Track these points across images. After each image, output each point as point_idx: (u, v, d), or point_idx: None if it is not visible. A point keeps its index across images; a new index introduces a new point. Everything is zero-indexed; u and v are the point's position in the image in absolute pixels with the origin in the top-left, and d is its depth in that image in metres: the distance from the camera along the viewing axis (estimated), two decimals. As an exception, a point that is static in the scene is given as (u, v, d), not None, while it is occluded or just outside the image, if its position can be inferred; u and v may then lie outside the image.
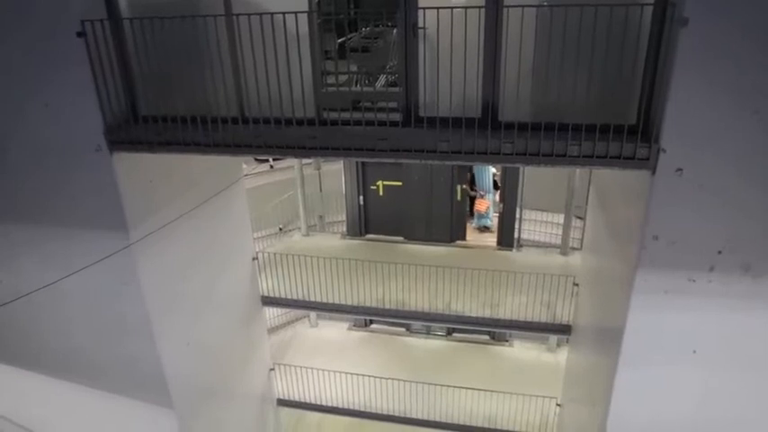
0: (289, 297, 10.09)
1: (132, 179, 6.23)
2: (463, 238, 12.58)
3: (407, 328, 13.34)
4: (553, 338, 12.15)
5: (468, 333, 12.86)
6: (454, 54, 4.89)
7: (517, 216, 11.84)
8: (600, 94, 4.85)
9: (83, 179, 6.14)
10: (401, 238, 12.57)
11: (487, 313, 9.37)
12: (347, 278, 9.87)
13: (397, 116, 5.37)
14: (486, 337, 12.86)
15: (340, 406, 10.81)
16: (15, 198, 6.54)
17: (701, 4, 4.15)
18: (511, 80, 4.90)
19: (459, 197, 12.26)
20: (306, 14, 5.16)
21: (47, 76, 5.71)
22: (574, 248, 11.16)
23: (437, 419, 10.32)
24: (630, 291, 5.28)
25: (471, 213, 13.75)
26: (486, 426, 10.17)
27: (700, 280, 5.13)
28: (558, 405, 9.86)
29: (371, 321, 13.51)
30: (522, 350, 12.49)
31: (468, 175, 13.53)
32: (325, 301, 9.91)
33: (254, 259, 9.79)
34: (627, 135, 4.73)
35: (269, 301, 10.23)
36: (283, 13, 5.07)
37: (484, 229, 13.72)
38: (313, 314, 13.48)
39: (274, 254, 10.58)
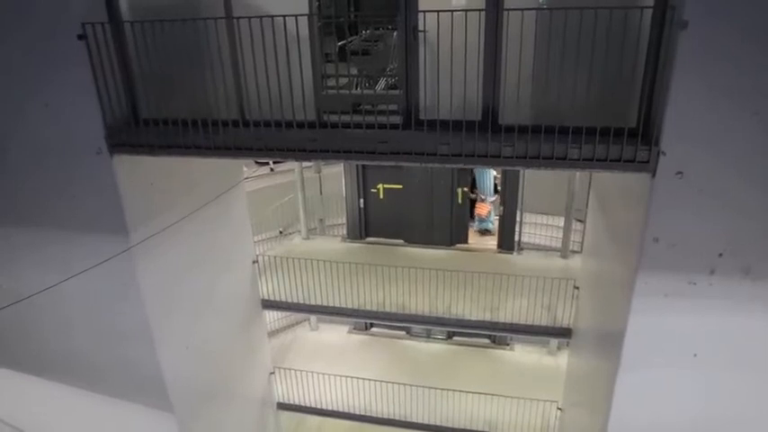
0: (289, 300, 10.07)
1: (133, 182, 6.24)
2: (465, 241, 12.56)
3: (408, 331, 13.31)
4: (554, 342, 12.11)
5: (468, 336, 12.82)
6: (454, 57, 4.90)
7: (517, 219, 11.82)
8: (600, 96, 4.85)
9: (83, 182, 6.15)
10: (401, 242, 12.55)
11: (488, 316, 9.34)
12: (347, 281, 9.85)
13: (397, 119, 5.37)
14: (487, 341, 12.83)
15: (340, 410, 10.78)
16: (16, 201, 6.54)
17: (700, 6, 4.16)
18: (511, 83, 4.91)
19: (460, 200, 12.25)
20: (306, 17, 5.18)
21: (47, 79, 5.72)
22: (574, 251, 11.14)
23: (438, 423, 10.28)
24: (631, 294, 5.27)
25: (472, 216, 13.75)
26: (486, 430, 10.13)
27: (700, 283, 5.12)
28: (559, 409, 9.83)
29: (372, 325, 13.48)
30: (522, 354, 12.45)
31: (470, 177, 13.52)
32: (325, 304, 9.89)
33: (254, 262, 9.78)
34: (627, 138, 4.73)
35: (269, 305, 10.22)
36: (284, 16, 5.08)
37: (485, 232, 13.71)
38: (313, 317, 13.46)
39: (275, 257, 10.56)
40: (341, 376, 10.55)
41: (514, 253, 11.77)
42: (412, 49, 5.09)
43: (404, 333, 13.35)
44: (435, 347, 12.93)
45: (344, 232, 13.08)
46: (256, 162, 17.72)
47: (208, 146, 5.73)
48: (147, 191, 6.53)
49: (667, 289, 5.20)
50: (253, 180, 15.71)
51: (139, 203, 6.37)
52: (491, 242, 12.76)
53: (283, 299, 10.09)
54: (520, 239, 12.03)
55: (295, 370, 10.82)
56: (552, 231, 12.86)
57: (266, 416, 10.72)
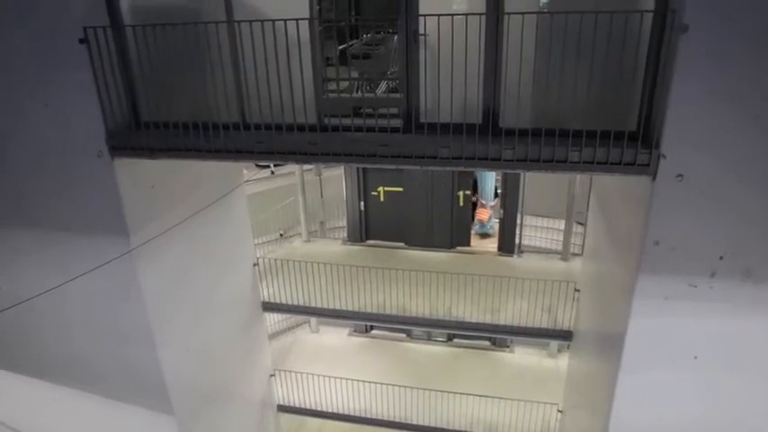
0: (289, 303, 10.08)
1: (133, 185, 6.25)
2: (467, 243, 12.56)
3: (408, 333, 13.31)
4: (554, 344, 12.12)
5: (468, 339, 12.83)
6: (455, 60, 4.91)
7: (518, 222, 11.83)
8: (600, 100, 4.86)
9: (84, 184, 6.15)
10: (402, 244, 12.56)
11: (488, 319, 9.35)
12: (348, 284, 9.86)
13: (397, 122, 5.38)
14: (487, 343, 12.83)
15: (340, 412, 10.78)
16: (17, 203, 6.55)
17: (700, 10, 4.17)
18: (511, 86, 4.92)
19: (461, 203, 12.26)
20: (307, 21, 5.19)
21: (48, 82, 5.74)
22: (575, 254, 11.15)
23: (438, 426, 10.27)
24: (631, 296, 5.28)
25: (472, 219, 13.74)
26: (487, 432, 10.14)
27: (701, 285, 5.13)
28: (559, 411, 9.83)
29: (372, 327, 13.48)
30: (523, 356, 12.45)
31: (471, 180, 13.50)
32: (325, 306, 9.89)
33: (254, 265, 9.79)
34: (627, 141, 4.74)
35: (270, 307, 10.22)
36: (284, 20, 5.09)
37: (485, 235, 13.71)
38: (314, 320, 13.46)
39: (275, 260, 10.58)
40: (341, 379, 10.54)
41: (515, 256, 11.78)
42: (412, 53, 5.10)
43: (404, 335, 13.35)
44: (436, 350, 12.93)
45: (345, 235, 13.10)
46: (257, 165, 17.74)
47: (208, 149, 5.74)
48: (147, 194, 6.54)
49: (668, 292, 5.20)
50: (253, 183, 15.70)
51: (140, 206, 6.38)
52: (491, 245, 12.76)
53: (284, 301, 10.10)
54: (520, 242, 12.03)
55: (295, 372, 10.82)
56: (553, 234, 12.86)
57: (266, 418, 10.72)
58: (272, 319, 12.67)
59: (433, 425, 10.29)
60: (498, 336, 11.99)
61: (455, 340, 13.03)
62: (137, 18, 5.67)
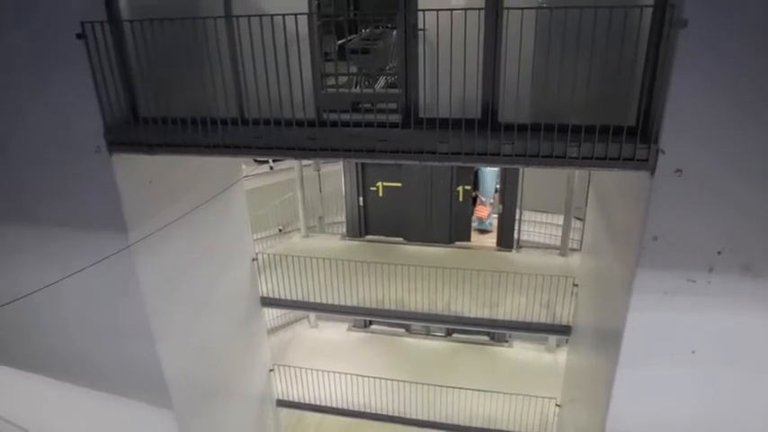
0: (288, 298, 10.09)
1: (132, 180, 6.24)
2: (468, 238, 12.56)
3: (407, 328, 13.34)
4: (553, 339, 12.15)
5: (467, 334, 12.86)
6: (454, 55, 4.90)
7: (517, 217, 11.84)
8: (599, 95, 4.86)
9: (82, 180, 6.14)
10: (401, 239, 12.57)
11: (487, 314, 9.37)
12: (347, 279, 9.87)
13: (396, 117, 5.37)
14: (486, 338, 12.86)
15: (339, 407, 10.80)
16: (15, 200, 6.54)
17: (700, 5, 4.16)
18: (510, 81, 4.91)
19: (461, 198, 12.26)
20: (306, 16, 5.17)
21: (46, 77, 5.71)
22: (573, 249, 11.16)
23: (436, 420, 10.31)
24: (630, 291, 5.29)
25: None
26: (485, 426, 10.16)
27: (699, 280, 5.14)
28: (557, 406, 9.86)
29: (371, 322, 13.51)
30: (521, 351, 12.48)
31: (472, 176, 13.49)
32: (324, 301, 9.91)
33: (253, 260, 9.79)
34: (626, 136, 4.74)
35: (268, 302, 10.23)
36: (283, 15, 5.08)
37: (484, 230, 13.71)
38: (312, 315, 13.48)
39: (274, 255, 10.58)
40: (340, 373, 10.57)
41: (513, 251, 11.79)
42: (411, 48, 5.09)
43: (403, 330, 13.38)
44: (434, 345, 12.96)
45: (344, 230, 13.10)
46: (255, 160, 17.72)
47: (207, 144, 5.73)
48: (146, 189, 6.53)
49: (666, 287, 5.22)
50: (252, 178, 15.69)
51: (139, 201, 6.37)
52: (490, 240, 12.78)
53: (283, 296, 10.11)
54: (519, 237, 12.04)
55: (294, 367, 10.84)
56: (551, 229, 12.87)
57: (266, 413, 10.74)
58: (271, 315, 12.68)
59: (431, 419, 10.33)
60: (497, 330, 12.02)
61: (454, 335, 13.06)
62: (134, 13, 5.65)
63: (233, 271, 9.14)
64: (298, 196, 12.57)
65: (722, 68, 4.33)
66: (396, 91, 5.48)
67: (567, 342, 10.15)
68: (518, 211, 11.85)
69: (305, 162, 12.52)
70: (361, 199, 12.60)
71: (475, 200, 13.75)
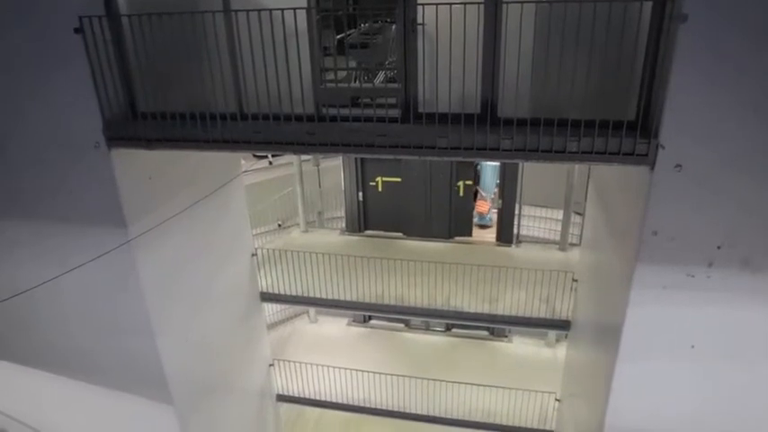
0: (288, 293, 10.10)
1: (131, 175, 6.23)
2: (469, 234, 12.55)
3: (407, 323, 13.36)
4: (552, 334, 12.18)
5: (467, 329, 12.88)
6: (453, 50, 4.88)
7: (516, 212, 11.84)
8: (599, 89, 4.84)
9: (81, 175, 6.14)
10: (400, 234, 12.57)
11: (486, 309, 9.38)
12: (346, 274, 9.87)
13: (396, 112, 5.36)
14: (486, 333, 12.88)
15: (339, 401, 10.83)
16: (14, 195, 6.53)
17: (700, 1, 4.14)
18: (510, 76, 4.89)
19: (461, 193, 12.24)
20: (305, 11, 5.15)
21: (46, 76, 5.70)
22: (573, 244, 11.17)
23: (436, 415, 10.34)
24: (629, 286, 5.29)
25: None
26: (485, 421, 10.19)
27: (698, 275, 5.14)
28: (557, 400, 9.89)
29: (370, 317, 13.53)
30: (521, 346, 12.51)
31: (473, 171, 13.46)
32: (324, 297, 9.92)
33: (253, 255, 9.79)
34: (626, 131, 4.73)
35: (268, 298, 10.24)
36: (282, 10, 5.06)
37: (484, 225, 13.72)
38: (312, 310, 13.50)
39: (273, 250, 10.58)
40: (340, 368, 10.59)
41: (513, 246, 11.80)
42: (411, 43, 5.06)
43: (402, 325, 13.40)
44: (434, 339, 12.98)
45: (343, 225, 13.10)
46: (255, 155, 17.68)
47: (206, 139, 5.72)
48: (145, 184, 6.52)
49: (665, 281, 5.22)
50: (251, 173, 15.66)
51: (138, 197, 6.36)
52: (490, 235, 12.78)
53: (282, 292, 10.12)
54: (518, 232, 12.05)
55: (294, 362, 10.86)
56: (551, 224, 12.88)
57: (266, 408, 10.77)
58: (271, 310, 12.70)
59: (431, 414, 10.36)
60: (496, 325, 12.05)
61: (453, 330, 13.09)
62: (132, 8, 5.63)
63: (232, 266, 9.14)
64: (297, 191, 12.57)
65: (722, 63, 4.32)
66: (395, 86, 5.46)
67: (566, 337, 10.18)
68: (518, 206, 11.86)
69: (304, 157, 12.51)
70: (360, 194, 12.60)
71: (476, 195, 13.74)
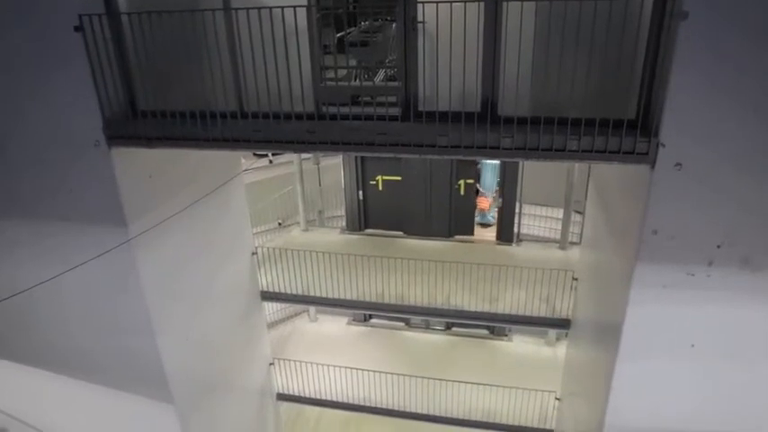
0: (288, 292, 10.10)
1: (131, 174, 6.23)
2: (471, 232, 12.53)
3: (407, 322, 13.36)
4: (552, 333, 12.17)
5: (467, 327, 12.88)
6: (453, 48, 4.87)
7: (516, 211, 11.84)
8: (599, 88, 4.84)
9: (81, 174, 6.13)
10: (400, 233, 12.57)
11: (487, 308, 9.38)
12: (346, 273, 9.87)
13: (396, 111, 5.35)
14: (486, 332, 12.88)
15: (339, 400, 10.84)
16: (14, 194, 6.53)
17: (700, 0, 4.14)
18: (510, 74, 4.89)
19: (462, 192, 12.23)
20: (305, 9, 5.14)
21: (46, 76, 5.70)
22: (573, 243, 11.17)
23: (436, 414, 10.34)
24: (629, 285, 5.29)
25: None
26: (485, 420, 10.19)
27: (699, 274, 5.14)
28: (557, 399, 9.89)
29: (371, 316, 13.53)
30: (521, 344, 12.51)
31: (474, 170, 13.43)
32: (324, 295, 9.92)
33: (253, 254, 9.79)
34: (626, 129, 4.72)
35: (268, 296, 10.24)
36: (282, 8, 5.05)
37: (485, 224, 13.71)
38: (312, 309, 13.50)
39: (274, 249, 10.58)
40: (340, 367, 10.59)
41: (513, 244, 11.79)
42: (411, 41, 5.06)
43: (403, 324, 13.40)
44: (434, 338, 12.98)
45: (343, 224, 13.10)
46: (255, 154, 17.70)
47: (206, 138, 5.71)
48: (145, 183, 6.52)
49: (665, 280, 5.22)
50: (251, 172, 15.68)
51: (138, 195, 6.36)
52: (489, 234, 12.77)
53: (282, 290, 10.12)
54: (519, 231, 12.04)
55: (294, 361, 10.86)
56: (551, 223, 12.87)
57: (266, 406, 10.77)
58: (271, 309, 12.70)
59: (431, 413, 10.36)
60: (497, 324, 12.04)
61: (453, 329, 13.09)
62: (133, 5, 5.62)
63: (233, 265, 9.14)
64: (297, 190, 12.56)
65: (723, 62, 4.31)
66: (395, 84, 5.46)
67: (566, 336, 10.17)
68: (518, 205, 11.85)
69: (304, 156, 12.51)
70: (360, 193, 12.59)
71: (477, 193, 13.74)
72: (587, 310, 8.00)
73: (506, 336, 12.76)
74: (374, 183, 12.58)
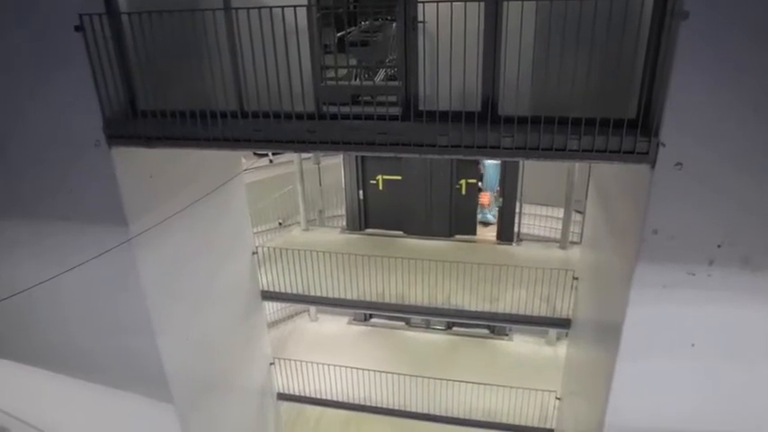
0: (288, 291, 10.10)
1: (131, 174, 6.23)
2: (473, 232, 12.52)
3: (407, 322, 13.36)
4: (552, 332, 12.17)
5: (467, 327, 12.88)
6: (454, 48, 4.87)
7: (517, 210, 11.84)
8: (600, 87, 4.83)
9: (81, 174, 6.13)
10: (401, 233, 12.57)
11: (487, 307, 9.38)
12: (347, 272, 9.88)
13: (396, 110, 5.35)
14: (486, 331, 12.88)
15: (340, 400, 10.84)
16: (14, 193, 6.53)
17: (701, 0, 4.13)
18: (510, 74, 4.89)
19: (463, 191, 12.22)
20: (305, 8, 5.14)
21: (45, 72, 5.69)
22: (573, 242, 11.17)
23: (437, 413, 10.35)
24: (629, 285, 5.29)
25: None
26: (485, 419, 10.20)
27: (699, 274, 5.14)
28: (557, 398, 9.89)
29: (371, 316, 13.53)
30: (521, 344, 12.50)
31: (475, 170, 13.42)
32: (324, 295, 9.92)
33: (253, 254, 9.79)
34: (626, 129, 4.72)
35: (269, 296, 10.24)
36: (282, 7, 5.05)
37: (486, 223, 13.70)
38: (313, 308, 13.50)
39: (274, 248, 10.58)
40: (340, 367, 10.59)
41: (514, 244, 11.79)
42: (411, 40, 5.06)
43: (403, 324, 13.40)
44: (434, 338, 12.98)
45: (344, 223, 13.10)
46: (255, 154, 17.72)
47: (206, 137, 5.71)
48: (145, 182, 6.52)
49: (666, 280, 5.21)
50: (252, 171, 15.69)
51: (138, 195, 6.36)
52: (490, 234, 12.77)
53: (283, 290, 10.12)
54: (519, 230, 12.04)
55: (295, 360, 10.86)
56: (551, 222, 12.87)
57: (266, 406, 10.77)
58: (272, 308, 12.71)
59: (431, 412, 10.36)
60: (497, 324, 12.03)
61: (454, 329, 13.08)
62: (133, 5, 5.62)
63: (233, 264, 9.14)
64: (297, 189, 12.56)
65: (723, 61, 4.31)
66: (395, 83, 5.46)
67: (566, 335, 10.17)
68: (518, 205, 11.85)
69: (305, 155, 12.50)
70: (361, 192, 12.59)
71: (479, 191, 13.72)
72: (588, 310, 8.00)
73: (507, 335, 12.76)
74: (374, 182, 12.58)
